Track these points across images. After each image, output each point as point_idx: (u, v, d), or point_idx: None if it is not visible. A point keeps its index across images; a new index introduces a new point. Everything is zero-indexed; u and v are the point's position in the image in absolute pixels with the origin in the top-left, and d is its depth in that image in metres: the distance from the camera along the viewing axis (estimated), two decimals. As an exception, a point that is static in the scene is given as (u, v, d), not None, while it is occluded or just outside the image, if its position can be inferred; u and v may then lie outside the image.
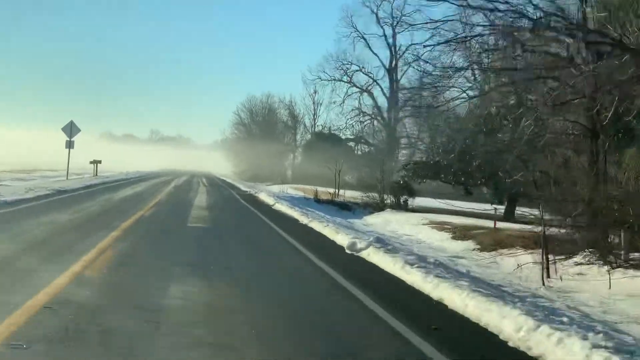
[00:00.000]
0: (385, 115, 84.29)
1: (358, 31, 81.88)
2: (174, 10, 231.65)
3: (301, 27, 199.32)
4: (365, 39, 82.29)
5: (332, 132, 76.89)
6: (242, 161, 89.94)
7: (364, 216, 32.77)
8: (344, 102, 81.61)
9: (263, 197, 34.85)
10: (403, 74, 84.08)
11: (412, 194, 35.96)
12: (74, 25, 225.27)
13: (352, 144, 77.88)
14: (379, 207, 35.57)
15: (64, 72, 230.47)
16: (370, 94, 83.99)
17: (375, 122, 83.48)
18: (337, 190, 39.93)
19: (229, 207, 27.29)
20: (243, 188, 47.76)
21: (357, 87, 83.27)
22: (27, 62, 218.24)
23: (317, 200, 37.54)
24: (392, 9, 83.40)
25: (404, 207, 35.62)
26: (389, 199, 36.47)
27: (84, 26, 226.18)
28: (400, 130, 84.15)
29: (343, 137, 77.76)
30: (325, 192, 46.04)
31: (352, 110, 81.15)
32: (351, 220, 28.00)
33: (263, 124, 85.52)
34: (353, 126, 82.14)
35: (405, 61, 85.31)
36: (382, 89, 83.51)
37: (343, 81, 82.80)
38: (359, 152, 78.53)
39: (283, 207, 27.14)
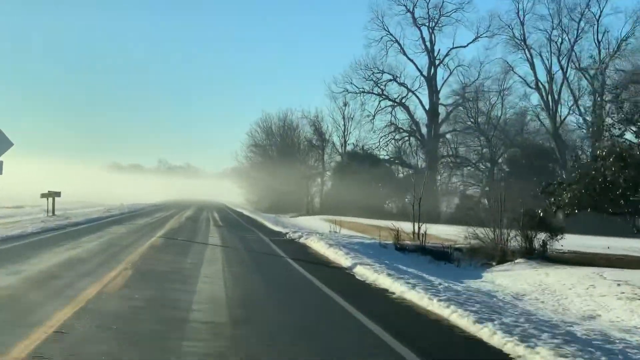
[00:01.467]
0: (423, 130, 70.31)
1: (390, 34, 68.28)
2: (179, 34, 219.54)
3: (323, 33, 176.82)
4: (399, 43, 68.72)
5: (368, 151, 62.73)
6: (259, 189, 75.90)
7: (482, 273, 19.95)
8: (374, 117, 67.78)
9: (318, 246, 20.76)
10: (444, 82, 70.38)
11: (554, 231, 22.00)
12: (78, 53, 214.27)
13: (392, 164, 63.61)
14: (500, 256, 21.55)
15: (70, 103, 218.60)
16: (406, 107, 69.97)
17: (413, 139, 69.37)
18: (417, 229, 25.78)
19: (282, 292, 12.38)
20: (271, 226, 33.58)
21: (390, 99, 69.34)
22: (33, 91, 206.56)
23: (401, 247, 23.67)
24: (427, 7, 70.24)
25: (540, 254, 21.77)
26: (512, 241, 22.66)
27: (88, 55, 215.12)
28: (441, 146, 70.07)
29: (381, 156, 63.77)
30: (372, 226, 32.60)
31: (386, 126, 67.24)
32: (468, 283, 16.01)
33: (282, 145, 71.59)
34: (387, 145, 68.32)
35: (446, 67, 71.80)
36: (420, 101, 69.52)
37: (374, 93, 68.99)
38: (401, 174, 64.42)
39: (380, 278, 13.05)
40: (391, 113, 69.35)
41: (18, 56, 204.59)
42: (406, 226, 37.00)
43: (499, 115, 61.41)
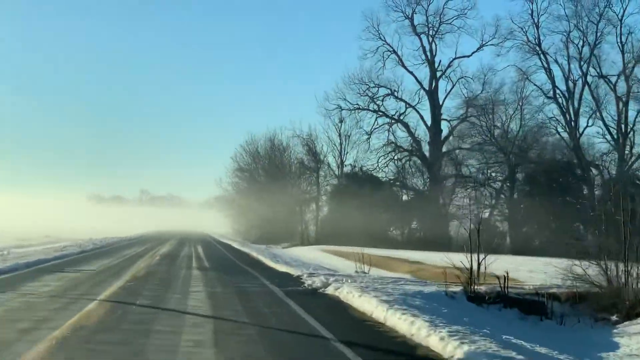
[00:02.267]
0: (425, 148, 62.32)
1: (388, 44, 60.18)
2: (157, 61, 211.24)
3: (312, 45, 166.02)
4: (397, 54, 60.86)
5: (368, 172, 54.54)
6: (246, 217, 67.33)
7: (613, 337, 13.36)
8: (370, 135, 59.67)
9: (364, 304, 12.54)
10: (447, 95, 62.58)
11: None
12: (57, 86, 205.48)
13: (392, 186, 55.32)
14: (628, 307, 13.32)
15: (49, 134, 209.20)
16: (405, 125, 61.76)
17: (415, 159, 61.27)
18: (476, 266, 17.38)
19: None
20: (272, 264, 25.21)
21: (388, 116, 61.29)
22: (7, 124, 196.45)
23: (475, 297, 15.32)
24: (427, 15, 62.73)
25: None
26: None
27: (67, 87, 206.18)
28: (445, 167, 62.08)
29: (383, 178, 55.41)
30: (389, 258, 25.33)
31: (385, 145, 59.10)
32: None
33: (271, 168, 63.16)
34: (387, 165, 60.20)
35: (448, 79, 64.01)
36: (421, 117, 61.52)
37: (370, 110, 60.93)
38: (406, 197, 56.24)
39: None
40: (389, 131, 61.22)
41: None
42: (434, 258, 29.05)
43: (516, 128, 53.61)
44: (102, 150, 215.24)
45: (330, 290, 15.46)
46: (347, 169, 56.53)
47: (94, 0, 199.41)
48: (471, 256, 17.06)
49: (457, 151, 60.54)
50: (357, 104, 60.57)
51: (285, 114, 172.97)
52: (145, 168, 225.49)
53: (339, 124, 56.86)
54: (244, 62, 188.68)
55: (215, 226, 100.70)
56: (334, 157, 57.74)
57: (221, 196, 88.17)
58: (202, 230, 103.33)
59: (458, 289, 16.14)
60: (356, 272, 20.98)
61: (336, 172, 57.09)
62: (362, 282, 16.58)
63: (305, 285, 16.71)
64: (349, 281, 16.62)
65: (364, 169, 56.25)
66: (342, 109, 60.25)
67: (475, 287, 16.19)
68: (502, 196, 52.72)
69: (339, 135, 56.80)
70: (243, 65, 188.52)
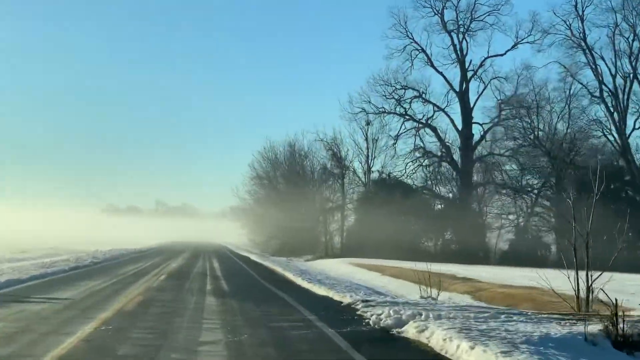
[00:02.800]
0: (456, 154, 56.74)
1: (416, 42, 55.04)
2: (173, 69, 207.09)
3: (336, 45, 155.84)
4: (425, 53, 55.45)
5: (398, 178, 48.99)
6: (265, 228, 61.89)
7: None
8: (397, 140, 54.20)
9: (470, 358, 6.58)
10: (478, 98, 57.06)
11: None
12: (73, 98, 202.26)
13: (426, 194, 49.76)
14: None
15: (66, 147, 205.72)
16: (433, 129, 56.18)
17: (445, 164, 55.73)
18: (584, 288, 11.68)
19: None
20: (305, 284, 19.82)
21: (415, 119, 55.75)
22: (25, 138, 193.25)
23: (623, 342, 9.12)
24: (457, 11, 57.35)
25: None
26: None
27: (83, 99, 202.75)
28: (477, 173, 56.49)
29: (413, 186, 49.75)
30: (440, 275, 20.53)
31: (412, 150, 53.56)
32: None
33: (291, 175, 57.67)
34: (415, 172, 54.70)
35: (480, 80, 58.54)
36: (451, 120, 55.94)
37: (396, 113, 55.55)
38: (440, 206, 50.59)
39: None
40: (416, 135, 55.60)
41: (10, 99, 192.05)
42: (483, 274, 23.84)
43: (559, 129, 47.95)
44: (118, 161, 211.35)
45: (411, 333, 10.04)
46: (374, 176, 51.14)
47: (113, 10, 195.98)
48: (580, 276, 11.52)
49: (490, 156, 54.84)
50: (382, 107, 55.23)
51: (305, 121, 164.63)
52: (161, 179, 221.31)
53: (366, 127, 51.45)
54: (260, 68, 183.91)
55: (231, 237, 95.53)
56: (360, 163, 52.31)
57: (237, 206, 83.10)
58: (217, 241, 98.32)
59: (595, 329, 10.62)
60: (422, 297, 15.53)
61: (363, 179, 51.60)
62: (449, 317, 11.17)
63: (368, 321, 11.28)
64: (431, 316, 11.20)
65: (391, 174, 50.92)
66: (367, 113, 54.89)
67: (619, 325, 10.65)
68: (546, 203, 47.11)
69: (366, 138, 51.41)
70: (259, 71, 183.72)
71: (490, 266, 37.73)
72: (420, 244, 47.31)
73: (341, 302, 14.33)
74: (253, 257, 44.69)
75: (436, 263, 40.15)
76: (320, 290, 17.44)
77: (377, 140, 51.28)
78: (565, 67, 48.00)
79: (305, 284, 19.80)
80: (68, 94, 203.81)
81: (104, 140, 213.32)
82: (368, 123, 51.33)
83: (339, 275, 27.45)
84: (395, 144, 53.74)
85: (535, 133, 48.20)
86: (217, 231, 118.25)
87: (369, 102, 53.57)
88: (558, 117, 48.13)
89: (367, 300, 14.01)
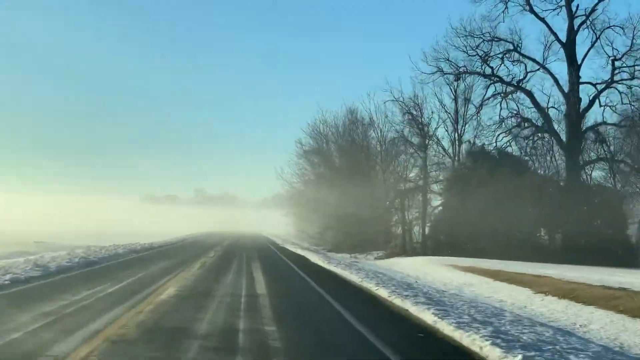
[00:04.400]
0: (557, 124, 42.86)
1: (509, -20, 41.44)
2: (214, 57, 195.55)
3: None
4: (521, -9, 41.68)
5: (503, 149, 35.55)
6: (318, 216, 48.79)
7: None
8: (481, 106, 40.68)
9: None
10: (587, 53, 42.79)
11: None
12: (113, 89, 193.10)
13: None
14: None
15: (104, 137, 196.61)
16: (529, 93, 42.17)
17: (547, 136, 41.95)
18: None
19: None
20: (430, 320, 6.22)
21: (505, 82, 41.94)
22: (63, 128, 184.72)
23: None
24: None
25: None
26: None
27: (125, 89, 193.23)
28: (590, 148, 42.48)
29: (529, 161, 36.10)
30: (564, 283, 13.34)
31: (508, 117, 39.93)
32: None
33: (352, 148, 44.43)
34: (510, 144, 41.18)
35: (591, 31, 44.36)
36: (555, 80, 41.81)
37: (481, 74, 41.97)
38: (550, 189, 36.71)
39: None
40: (503, 101, 41.67)
41: (52, 89, 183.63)
42: None
43: None
44: (156, 149, 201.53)
45: None
46: (465, 147, 37.63)
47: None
48: None
49: (603, 125, 40.69)
50: (463, 67, 41.49)
51: (359, 91, 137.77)
52: (200, 167, 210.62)
53: (455, 84, 37.91)
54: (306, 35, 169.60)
55: (275, 227, 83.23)
56: (447, 132, 38.75)
57: (280, 194, 70.46)
58: (259, 232, 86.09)
59: None
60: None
61: (450, 153, 38.12)
62: None
63: None
64: None
65: (485, 146, 37.53)
66: (445, 73, 41.25)
67: None
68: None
69: (455, 99, 37.75)
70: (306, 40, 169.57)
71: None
72: (533, 237, 34.02)
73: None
74: (305, 254, 31.84)
75: (565, 265, 27.25)
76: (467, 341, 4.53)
77: (469, 100, 37.68)
78: None
79: (426, 318, 6.95)
80: (107, 84, 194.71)
81: (144, 129, 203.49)
82: (458, 78, 37.77)
83: (454, 289, 14.68)
84: (479, 111, 40.08)
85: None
86: (260, 220, 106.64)
87: (448, 59, 39.84)
88: None
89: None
